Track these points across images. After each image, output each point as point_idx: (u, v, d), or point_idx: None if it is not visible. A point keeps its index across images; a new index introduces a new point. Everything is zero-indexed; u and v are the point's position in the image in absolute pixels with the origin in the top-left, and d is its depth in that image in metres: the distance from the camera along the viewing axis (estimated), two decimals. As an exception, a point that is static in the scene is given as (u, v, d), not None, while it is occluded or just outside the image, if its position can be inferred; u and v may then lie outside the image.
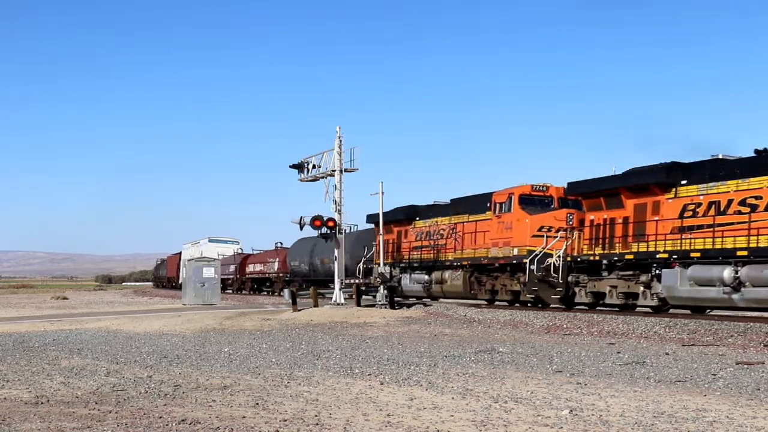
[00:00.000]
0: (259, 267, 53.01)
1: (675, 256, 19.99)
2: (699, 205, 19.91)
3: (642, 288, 21.38)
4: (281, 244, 52.39)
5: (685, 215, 20.19)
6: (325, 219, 28.41)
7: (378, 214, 30.76)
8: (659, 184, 20.95)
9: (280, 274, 48.13)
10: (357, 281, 29.92)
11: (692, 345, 15.36)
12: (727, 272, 18.57)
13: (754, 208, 18.52)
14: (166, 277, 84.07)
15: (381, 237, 30.91)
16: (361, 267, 34.01)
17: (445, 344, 15.81)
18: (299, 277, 43.04)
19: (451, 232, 29.11)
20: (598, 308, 23.34)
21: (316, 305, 27.25)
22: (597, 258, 22.67)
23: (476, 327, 20.68)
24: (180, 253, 71.46)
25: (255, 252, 56.50)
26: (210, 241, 63.14)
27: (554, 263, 23.47)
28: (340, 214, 28.90)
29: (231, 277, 56.79)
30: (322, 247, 37.66)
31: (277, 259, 48.76)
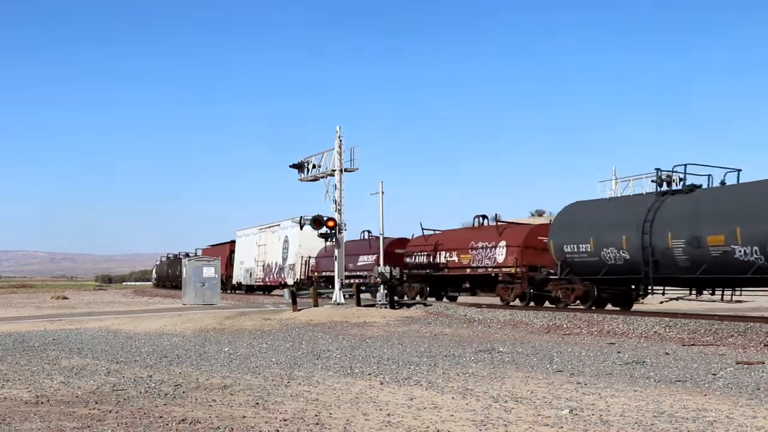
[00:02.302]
0: (446, 257, 31.22)
1: None
2: None
3: None
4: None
5: None
6: (325, 219, 28.44)
7: None
8: None
9: (518, 269, 26.76)
10: (358, 281, 29.73)
11: (692, 345, 15.36)
12: None
13: None
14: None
15: (381, 244, 30.86)
16: None
17: (445, 344, 15.81)
18: (604, 275, 22.93)
19: None
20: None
21: (316, 305, 27.26)
22: None
23: (476, 327, 20.68)
24: (230, 243, 57.43)
25: (428, 232, 33.64)
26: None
27: None
28: (340, 213, 28.92)
29: (367, 273, 35.52)
30: (696, 210, 20.12)
31: (504, 243, 27.54)
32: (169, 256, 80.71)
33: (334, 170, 29.03)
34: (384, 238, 32.69)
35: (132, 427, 7.12)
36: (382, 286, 27.88)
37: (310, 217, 28.69)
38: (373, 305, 27.43)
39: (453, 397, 8.85)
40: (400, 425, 7.27)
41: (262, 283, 49.55)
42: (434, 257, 31.61)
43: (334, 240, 28.83)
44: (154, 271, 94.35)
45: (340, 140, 29.00)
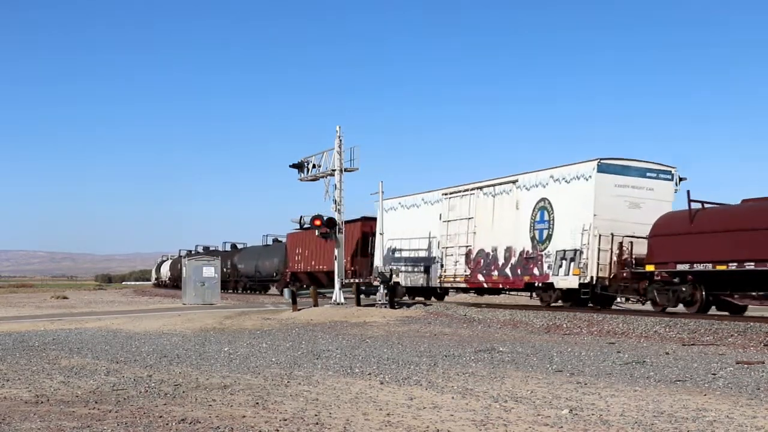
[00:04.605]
0: None
1: None
2: None
3: None
4: None
5: None
6: (325, 218, 28.46)
7: None
8: None
9: None
10: (357, 281, 29.68)
11: (692, 344, 15.37)
12: None
13: None
14: (281, 273, 45.60)
15: (381, 236, 30.88)
16: None
17: (445, 344, 15.82)
18: None
19: None
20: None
21: (315, 305, 27.27)
22: None
23: (476, 326, 20.68)
24: (361, 222, 36.50)
25: None
26: (602, 169, 23.39)
27: None
28: (340, 213, 28.92)
29: None
30: None
31: None
32: (200, 249, 66.22)
33: (334, 170, 29.04)
34: None
35: (132, 427, 7.12)
36: (381, 286, 27.86)
37: (310, 217, 28.71)
38: (372, 305, 27.44)
39: (453, 397, 8.86)
40: (400, 425, 7.27)
41: (464, 284, 28.45)
42: None
43: (334, 239, 28.82)
44: (167, 268, 77.90)
45: (340, 140, 29.02)
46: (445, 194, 29.26)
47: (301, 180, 31.06)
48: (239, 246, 59.80)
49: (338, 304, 27.91)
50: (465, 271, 27.75)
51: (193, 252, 66.04)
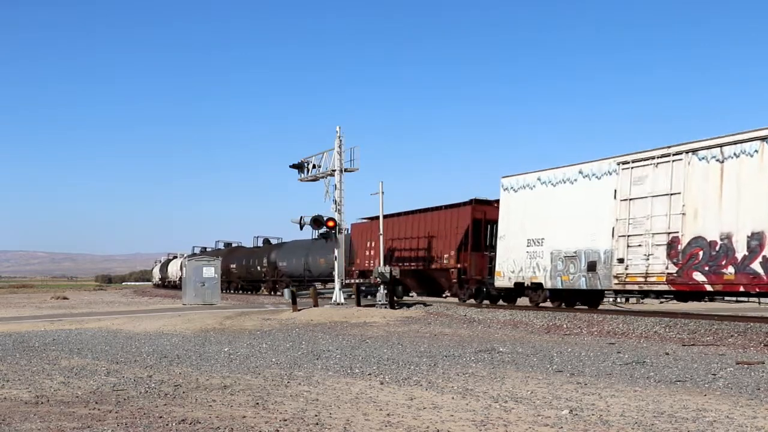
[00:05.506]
0: None
1: None
2: None
3: None
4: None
5: None
6: (324, 219, 28.47)
7: None
8: None
9: None
10: (357, 281, 29.78)
11: (692, 345, 15.36)
12: None
13: None
14: (356, 270, 34.80)
15: (381, 237, 30.86)
16: None
17: (445, 344, 15.82)
18: None
19: None
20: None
21: (316, 305, 27.28)
22: None
23: (476, 327, 20.68)
24: (471, 205, 28.62)
25: None
26: None
27: None
28: (340, 213, 28.94)
29: None
30: None
31: None
32: (220, 245, 61.03)
33: (334, 170, 29.06)
34: None
35: (132, 427, 7.12)
36: (381, 286, 27.87)
37: (310, 218, 28.74)
38: (373, 305, 27.44)
39: (453, 397, 8.86)
40: (400, 425, 7.27)
41: (667, 285, 19.77)
42: None
43: (334, 239, 28.84)
44: (175, 267, 69.28)
45: (340, 140, 29.04)
46: (624, 163, 21.14)
47: (301, 180, 31.09)
48: (273, 241, 52.02)
49: (338, 304, 27.92)
50: (666, 268, 19.66)
51: (211, 248, 61.90)
